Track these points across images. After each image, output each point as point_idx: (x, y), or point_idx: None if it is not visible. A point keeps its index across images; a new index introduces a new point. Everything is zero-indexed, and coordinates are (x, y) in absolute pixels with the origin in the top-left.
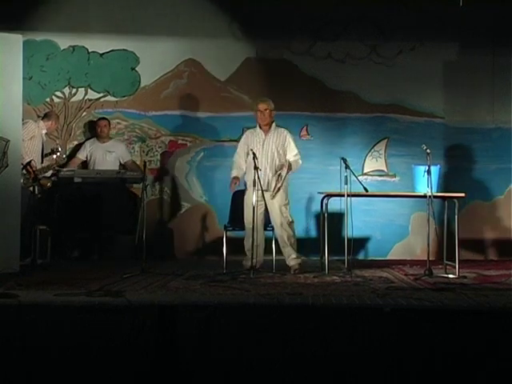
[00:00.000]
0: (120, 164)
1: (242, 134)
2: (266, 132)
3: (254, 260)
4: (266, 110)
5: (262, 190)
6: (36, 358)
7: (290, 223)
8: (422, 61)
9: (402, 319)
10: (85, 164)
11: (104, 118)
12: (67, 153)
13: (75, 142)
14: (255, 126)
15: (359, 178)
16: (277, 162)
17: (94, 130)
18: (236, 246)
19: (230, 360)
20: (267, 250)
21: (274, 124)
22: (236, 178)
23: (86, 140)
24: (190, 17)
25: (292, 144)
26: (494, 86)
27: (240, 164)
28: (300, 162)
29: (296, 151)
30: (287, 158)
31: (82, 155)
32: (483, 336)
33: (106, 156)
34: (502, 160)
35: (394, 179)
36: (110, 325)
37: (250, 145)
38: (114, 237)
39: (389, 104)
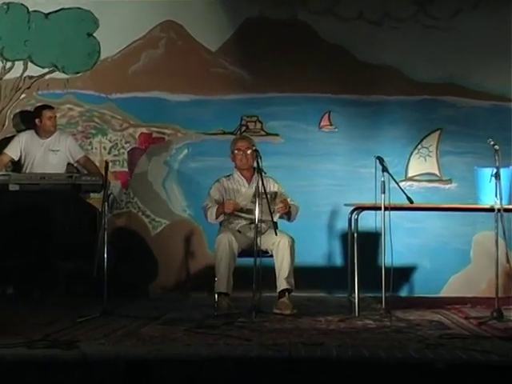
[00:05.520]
0: (70, 165)
1: (217, 181)
2: (249, 179)
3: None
4: (247, 148)
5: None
6: None
7: None
8: (488, 23)
9: (461, 378)
10: (17, 166)
11: (49, 107)
12: None
13: (10, 136)
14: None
15: (401, 184)
16: (262, 215)
17: (31, 121)
18: (233, 275)
19: None
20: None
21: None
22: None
23: (20, 132)
24: None
25: (283, 192)
26: None
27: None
28: (297, 205)
29: (289, 198)
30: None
31: (12, 152)
32: None
33: (49, 157)
34: None
35: (449, 186)
36: None
37: (226, 194)
38: (64, 266)
39: (442, 83)
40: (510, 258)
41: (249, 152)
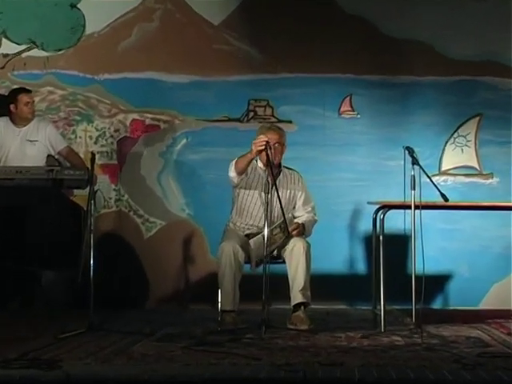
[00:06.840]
0: (51, 157)
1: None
2: (273, 176)
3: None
4: (276, 143)
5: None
6: None
7: None
8: None
9: None
10: None
11: (26, 90)
12: None
13: None
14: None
15: (434, 179)
16: (279, 218)
17: (5, 106)
18: (240, 286)
19: None
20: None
21: (283, 167)
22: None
23: None
24: None
25: (307, 194)
26: None
27: None
28: (316, 218)
29: (311, 204)
30: (297, 214)
31: None
32: None
33: (26, 148)
34: None
35: (489, 181)
36: None
37: (246, 184)
38: (44, 274)
39: (481, 61)
40: None
41: (277, 147)
